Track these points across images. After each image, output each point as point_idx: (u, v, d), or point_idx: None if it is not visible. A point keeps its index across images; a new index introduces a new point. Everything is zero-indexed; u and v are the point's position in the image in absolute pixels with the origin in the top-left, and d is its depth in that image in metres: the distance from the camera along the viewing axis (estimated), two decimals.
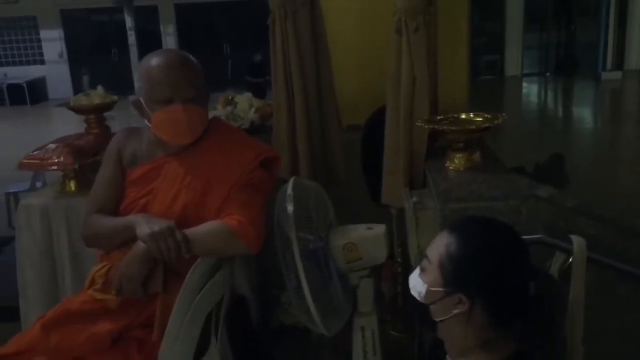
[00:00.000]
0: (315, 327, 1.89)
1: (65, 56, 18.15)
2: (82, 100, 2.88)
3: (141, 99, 1.72)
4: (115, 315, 1.64)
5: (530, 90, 16.01)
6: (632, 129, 10.36)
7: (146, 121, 1.75)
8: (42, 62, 18.17)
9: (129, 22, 16.99)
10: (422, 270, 1.29)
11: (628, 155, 8.60)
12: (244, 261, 2.62)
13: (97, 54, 17.90)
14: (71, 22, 18.06)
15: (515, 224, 1.77)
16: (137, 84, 1.71)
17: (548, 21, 18.05)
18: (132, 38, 17.20)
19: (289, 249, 1.84)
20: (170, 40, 17.82)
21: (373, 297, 2.06)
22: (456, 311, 1.22)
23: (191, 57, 1.76)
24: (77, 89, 18.14)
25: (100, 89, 2.93)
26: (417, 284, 1.28)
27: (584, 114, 12.27)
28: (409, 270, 2.41)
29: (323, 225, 1.97)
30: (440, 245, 1.25)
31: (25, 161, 2.44)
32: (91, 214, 1.79)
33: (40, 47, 18.15)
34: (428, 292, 1.25)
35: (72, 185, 2.55)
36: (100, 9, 17.79)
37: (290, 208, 1.79)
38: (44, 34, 17.96)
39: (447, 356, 1.38)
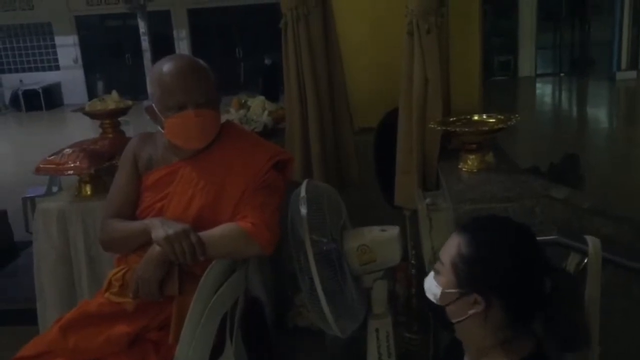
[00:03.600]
0: (329, 329, 1.89)
1: (80, 61, 18.35)
2: (97, 105, 2.92)
3: (153, 105, 1.74)
4: (132, 318, 1.67)
5: (544, 90, 15.93)
6: None
7: (159, 127, 1.77)
8: (57, 68, 18.40)
9: (142, 26, 17.11)
10: (436, 273, 1.29)
11: None
12: (258, 263, 2.63)
13: (111, 59, 18.08)
14: (85, 28, 18.27)
15: (529, 224, 1.77)
16: (149, 90, 1.73)
17: (562, 21, 17.96)
18: (145, 43, 17.32)
19: (302, 251, 1.84)
20: (182, 44, 17.94)
21: (387, 298, 2.06)
22: (472, 311, 1.22)
23: (201, 61, 1.78)
24: (92, 94, 18.35)
25: (114, 93, 2.97)
26: (432, 286, 1.29)
27: (599, 114, 12.17)
28: (422, 272, 2.41)
29: (336, 227, 1.97)
30: (452, 246, 1.26)
31: (42, 165, 2.47)
32: (108, 218, 1.81)
33: (55, 53, 18.38)
34: (443, 293, 1.26)
35: (88, 189, 2.58)
36: (113, 15, 17.97)
37: (304, 210, 1.79)
38: (58, 39, 18.19)
39: (465, 356, 1.38)
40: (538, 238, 1.73)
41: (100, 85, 18.38)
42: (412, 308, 2.70)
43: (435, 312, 1.31)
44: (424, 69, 2.22)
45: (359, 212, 2.18)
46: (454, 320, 1.26)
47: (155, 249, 1.62)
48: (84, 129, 7.40)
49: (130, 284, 1.65)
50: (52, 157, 2.49)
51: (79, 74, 18.37)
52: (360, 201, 2.57)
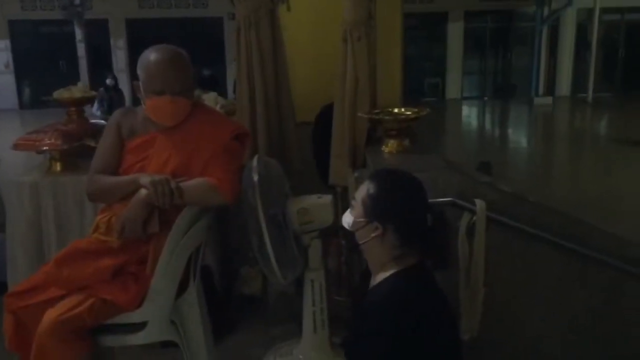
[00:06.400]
0: (274, 276, 2.28)
1: (12, 66, 17.97)
2: (64, 94, 3.21)
3: (140, 84, 2.11)
4: (116, 253, 2.01)
5: (470, 112, 16.93)
6: (559, 146, 11.32)
7: (142, 102, 2.15)
8: None
9: (79, 34, 16.99)
10: (351, 208, 1.76)
11: (554, 169, 9.45)
12: (211, 237, 3.00)
13: (45, 65, 17.74)
14: (19, 33, 17.93)
15: (434, 190, 2.26)
16: (138, 72, 2.11)
17: (486, 48, 19.16)
18: (81, 50, 17.20)
19: (253, 213, 2.24)
20: (120, 53, 17.93)
21: (321, 255, 2.48)
22: (373, 234, 1.68)
23: (183, 54, 2.13)
24: (23, 99, 18.03)
25: (80, 84, 3.29)
26: (347, 217, 1.76)
27: (517, 134, 13.19)
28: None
29: (281, 195, 2.39)
30: (363, 188, 1.73)
31: (20, 142, 2.76)
32: (94, 174, 2.15)
33: None
34: (354, 222, 1.72)
35: (58, 166, 2.88)
36: (49, 21, 17.72)
37: (255, 177, 2.20)
38: None
39: (372, 275, 1.84)
40: (438, 200, 2.23)
41: (27, 92, 18.01)
42: (341, 276, 3.15)
43: (348, 239, 1.77)
44: (355, 70, 2.70)
45: (299, 193, 2.60)
46: (360, 242, 1.73)
47: (141, 193, 1.99)
48: (13, 131, 7.49)
49: (115, 226, 2.01)
50: (30, 134, 2.79)
51: (9, 79, 17.95)
52: (300, 184, 2.99)
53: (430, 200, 1.97)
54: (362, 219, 1.70)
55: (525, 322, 2.34)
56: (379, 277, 1.75)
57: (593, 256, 2.21)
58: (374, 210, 1.68)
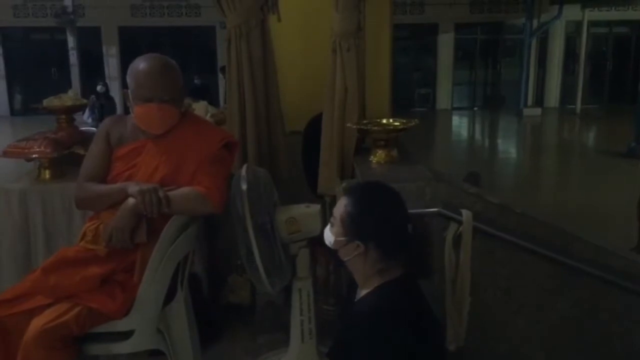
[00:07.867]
0: (261, 285, 2.29)
1: (3, 73, 17.93)
2: (55, 102, 3.21)
3: (129, 92, 2.13)
4: (103, 262, 2.02)
5: (460, 122, 17.04)
6: (547, 157, 11.42)
7: (131, 110, 2.16)
8: None
9: (71, 41, 16.97)
10: (331, 225, 1.77)
11: (542, 180, 9.53)
12: (199, 245, 3.00)
13: (37, 72, 17.71)
14: (11, 40, 17.92)
15: (421, 200, 2.28)
16: (127, 80, 2.13)
17: (476, 60, 19.31)
18: (73, 57, 17.16)
19: (242, 222, 2.25)
20: (112, 61, 17.92)
21: (309, 264, 2.50)
22: (355, 253, 1.69)
23: (172, 64, 2.16)
24: (13, 106, 18.00)
25: (71, 91, 3.29)
26: (328, 236, 1.77)
27: (506, 145, 13.29)
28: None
29: (270, 204, 2.40)
30: (341, 205, 1.74)
31: (9, 149, 2.76)
32: (83, 182, 2.16)
33: None
34: (335, 241, 1.74)
35: (47, 174, 2.87)
36: (41, 28, 17.70)
37: (244, 186, 2.21)
38: None
39: (358, 290, 1.85)
40: (425, 210, 2.25)
41: (18, 98, 18.00)
42: (329, 285, 3.16)
43: (332, 254, 1.79)
44: (344, 80, 2.72)
45: (288, 202, 2.61)
46: (344, 259, 1.74)
47: (129, 202, 1.99)
48: (3, 138, 7.52)
49: (103, 234, 2.01)
50: (19, 142, 2.79)
51: (1, 86, 17.94)
52: (289, 193, 3.00)
53: (416, 211, 1.99)
54: (342, 238, 1.70)
55: (510, 331, 2.36)
56: (364, 290, 1.77)
57: (578, 266, 2.25)
58: (354, 229, 1.68)
